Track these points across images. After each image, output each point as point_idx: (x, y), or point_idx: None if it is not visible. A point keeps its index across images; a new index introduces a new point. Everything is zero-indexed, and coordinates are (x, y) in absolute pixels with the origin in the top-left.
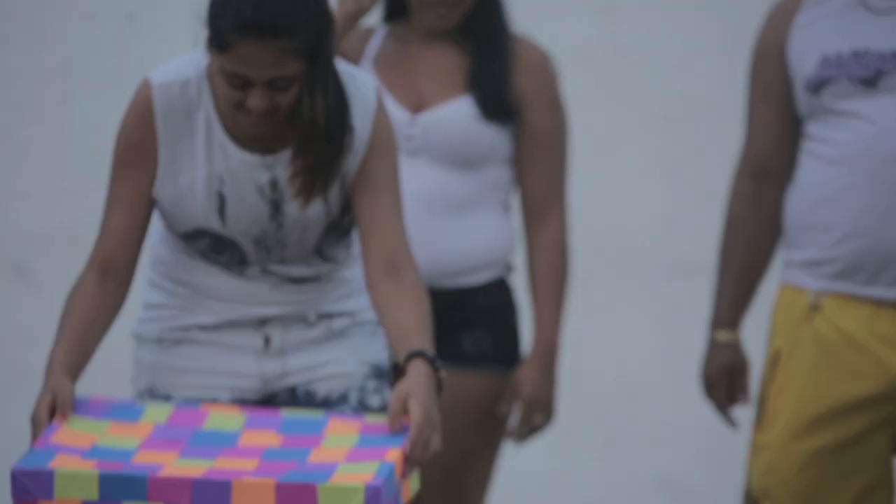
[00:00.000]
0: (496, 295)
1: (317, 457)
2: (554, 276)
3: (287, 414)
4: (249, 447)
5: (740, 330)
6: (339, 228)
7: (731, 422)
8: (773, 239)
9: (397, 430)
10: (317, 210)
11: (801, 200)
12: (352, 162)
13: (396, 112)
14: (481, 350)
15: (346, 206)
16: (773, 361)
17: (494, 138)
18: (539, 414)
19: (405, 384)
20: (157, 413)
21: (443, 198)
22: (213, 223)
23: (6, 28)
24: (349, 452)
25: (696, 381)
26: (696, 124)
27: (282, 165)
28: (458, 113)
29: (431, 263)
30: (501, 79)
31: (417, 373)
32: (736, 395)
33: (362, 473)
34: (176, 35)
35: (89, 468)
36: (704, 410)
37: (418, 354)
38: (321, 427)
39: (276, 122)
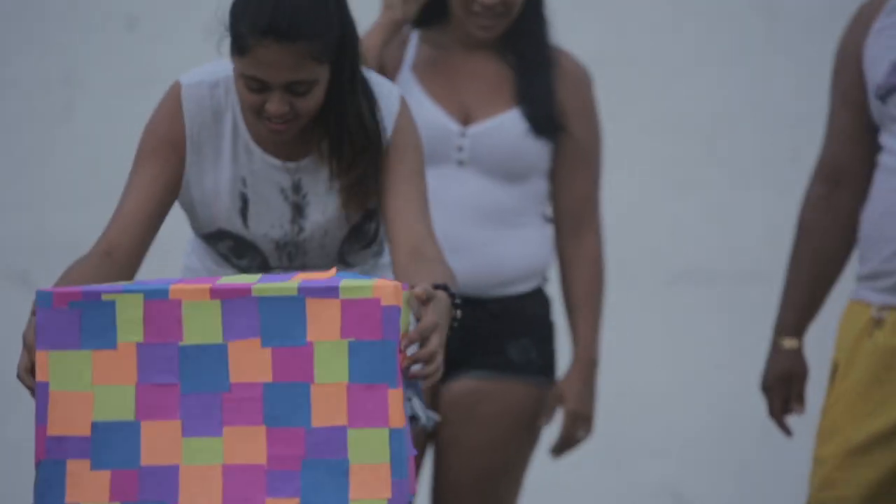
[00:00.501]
0: (539, 304)
1: (319, 411)
2: (592, 288)
3: (262, 300)
4: (245, 390)
5: (805, 338)
6: (361, 234)
7: (786, 429)
8: (846, 248)
9: (377, 320)
10: (337, 214)
11: (870, 212)
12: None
13: (445, 122)
14: (528, 359)
15: (368, 213)
16: (832, 374)
17: (540, 151)
18: (582, 428)
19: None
20: (130, 322)
21: (490, 208)
22: (235, 224)
23: (8, 37)
24: (349, 401)
25: (701, 390)
26: (700, 134)
27: (304, 172)
28: (507, 127)
29: (479, 273)
30: (550, 94)
31: (440, 293)
32: (792, 404)
33: (379, 468)
34: (178, 44)
35: (107, 502)
36: (709, 419)
37: (438, 287)
38: (303, 324)
39: (296, 129)
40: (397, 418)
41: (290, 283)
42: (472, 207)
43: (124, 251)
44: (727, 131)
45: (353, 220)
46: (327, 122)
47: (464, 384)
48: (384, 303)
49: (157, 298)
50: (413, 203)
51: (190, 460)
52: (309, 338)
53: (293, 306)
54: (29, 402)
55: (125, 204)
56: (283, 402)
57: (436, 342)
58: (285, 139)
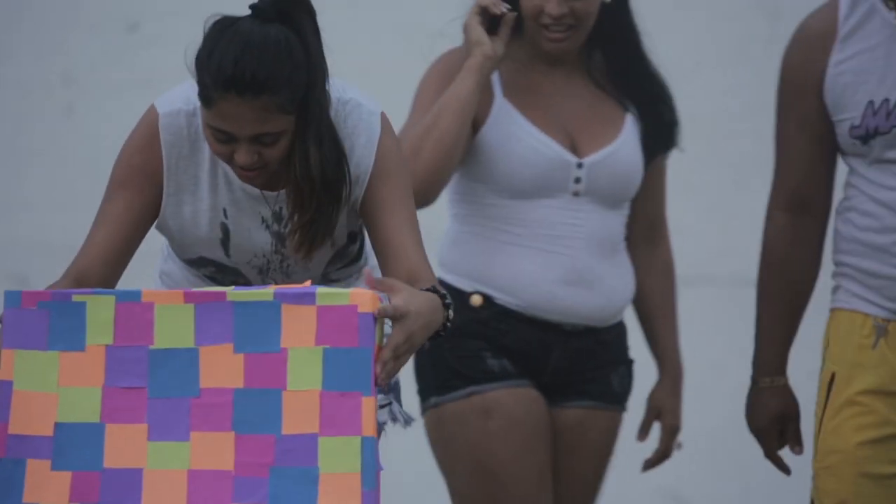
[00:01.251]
0: (624, 332)
1: (290, 418)
2: (671, 296)
3: (237, 304)
4: (214, 396)
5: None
6: (345, 255)
7: (784, 468)
8: (814, 275)
9: (353, 328)
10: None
11: (865, 229)
12: (358, 191)
13: (561, 153)
14: (624, 387)
15: (353, 235)
16: (827, 384)
17: (643, 172)
18: (677, 440)
19: (404, 292)
20: (100, 324)
21: (606, 238)
22: (216, 254)
23: (9, 39)
24: (321, 409)
25: (703, 392)
26: (702, 135)
27: (284, 201)
28: (622, 154)
29: (605, 305)
30: (660, 111)
31: (423, 296)
32: (787, 441)
33: (348, 477)
34: (178, 46)
35: (65, 502)
36: (710, 422)
37: (429, 290)
38: (277, 329)
39: (267, 175)
40: (370, 427)
41: (266, 289)
42: (592, 240)
43: (94, 282)
44: (729, 132)
45: (338, 245)
46: (289, 165)
47: (575, 413)
48: (361, 310)
49: (129, 301)
50: (405, 231)
51: (155, 464)
52: (283, 344)
53: (268, 312)
54: None
55: (96, 233)
56: (254, 408)
57: (406, 360)
58: (256, 184)
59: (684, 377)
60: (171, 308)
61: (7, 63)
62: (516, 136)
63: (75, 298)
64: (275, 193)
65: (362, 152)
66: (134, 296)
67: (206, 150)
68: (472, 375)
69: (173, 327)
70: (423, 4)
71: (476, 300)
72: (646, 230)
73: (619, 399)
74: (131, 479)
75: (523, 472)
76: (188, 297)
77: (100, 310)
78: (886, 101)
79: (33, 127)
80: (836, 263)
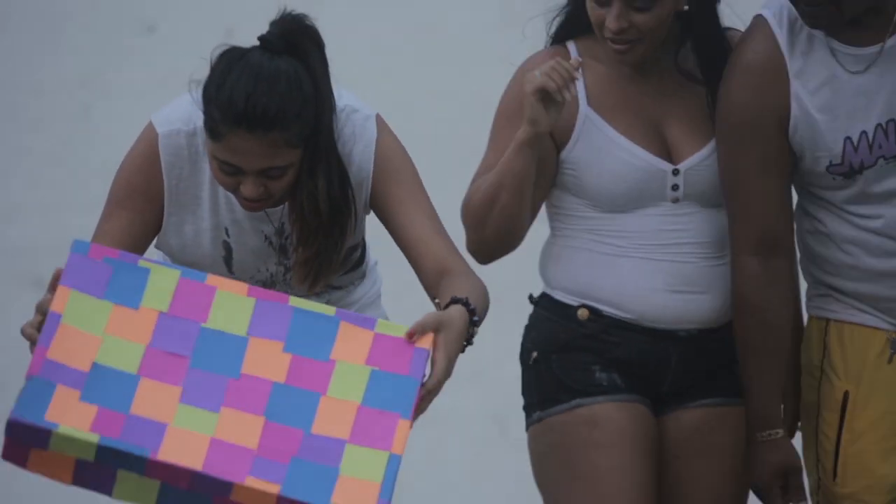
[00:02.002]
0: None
1: (322, 421)
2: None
3: (297, 310)
4: (254, 383)
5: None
6: (347, 262)
7: None
8: (790, 312)
9: (407, 358)
10: None
11: (859, 255)
12: (362, 196)
13: (656, 163)
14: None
15: (353, 248)
16: (841, 405)
17: None
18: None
19: (440, 315)
20: (160, 291)
21: (714, 238)
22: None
23: (27, 40)
24: (356, 419)
25: None
26: None
27: (287, 215)
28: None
29: (718, 307)
30: None
31: (456, 313)
32: (791, 496)
33: (368, 484)
34: (196, 48)
35: (88, 432)
36: None
37: (458, 300)
38: (331, 342)
39: (270, 205)
40: (400, 446)
41: (329, 306)
42: (699, 243)
43: None
44: None
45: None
46: (295, 195)
47: (700, 413)
48: (417, 344)
49: (193, 279)
50: (425, 225)
51: (180, 423)
52: (333, 356)
53: (326, 325)
54: None
55: None
56: (289, 403)
57: (435, 396)
58: (258, 210)
59: None
60: (232, 296)
61: (24, 64)
62: (605, 149)
63: (141, 263)
64: (277, 209)
65: (361, 157)
66: (199, 276)
67: (206, 170)
68: (579, 388)
69: (230, 313)
70: (439, 4)
71: (583, 314)
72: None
73: (739, 393)
74: (154, 429)
75: (624, 484)
76: (251, 292)
77: (162, 279)
78: (864, 133)
79: (50, 128)
80: (818, 282)
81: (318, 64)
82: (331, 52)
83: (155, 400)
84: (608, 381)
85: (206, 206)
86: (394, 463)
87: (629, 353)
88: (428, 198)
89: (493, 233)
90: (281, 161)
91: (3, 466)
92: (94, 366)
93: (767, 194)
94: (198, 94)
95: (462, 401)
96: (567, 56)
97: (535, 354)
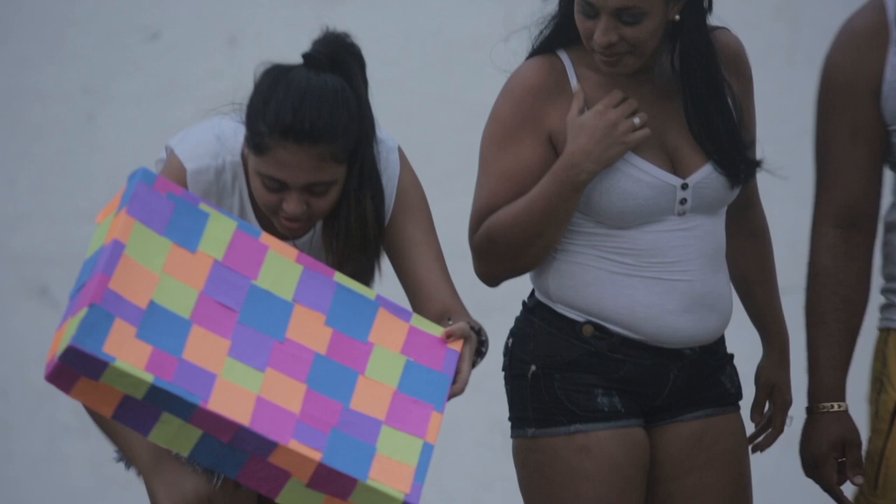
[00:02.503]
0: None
1: (360, 398)
2: (769, 261)
3: (340, 286)
4: (297, 349)
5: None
6: (366, 275)
7: (846, 502)
8: (867, 293)
9: (440, 356)
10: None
11: None
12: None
13: (665, 177)
14: (735, 386)
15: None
16: (891, 414)
17: None
18: (789, 415)
19: (469, 330)
20: (217, 239)
21: (715, 248)
22: None
23: (29, 47)
24: (392, 402)
25: None
26: None
27: (307, 244)
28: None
29: (722, 324)
30: (734, 145)
31: (473, 334)
32: (847, 473)
33: (403, 466)
34: (200, 56)
35: (143, 370)
36: None
37: (473, 328)
38: (369, 325)
39: (310, 226)
40: (433, 436)
41: (371, 290)
42: (705, 256)
43: None
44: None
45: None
46: (338, 214)
47: (696, 425)
48: (450, 345)
49: (248, 233)
50: (433, 269)
51: (229, 376)
52: (371, 339)
53: (366, 307)
54: (48, 412)
55: None
56: (330, 375)
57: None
58: (299, 235)
59: None
60: (282, 259)
61: (28, 71)
62: (614, 166)
63: (202, 207)
64: (304, 239)
65: (385, 189)
66: (254, 232)
67: (234, 205)
68: (579, 413)
69: (278, 276)
70: (443, 12)
71: (588, 330)
72: (739, 200)
73: (734, 399)
74: (205, 378)
75: None
76: (300, 259)
77: (220, 227)
78: None
79: (54, 136)
80: (889, 278)
81: (360, 82)
82: None
83: (205, 349)
84: (609, 407)
85: None
86: (427, 451)
87: (633, 372)
88: (437, 237)
89: (530, 263)
90: (327, 176)
91: (12, 472)
92: (151, 304)
93: (854, 164)
94: (221, 122)
95: (465, 409)
96: (560, 65)
97: (533, 368)
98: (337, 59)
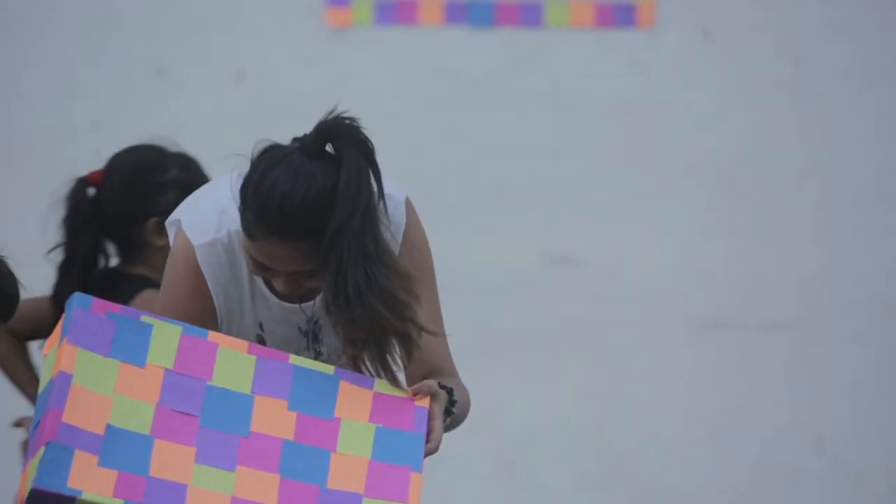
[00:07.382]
0: None
1: (336, 476)
2: None
3: (297, 368)
4: (264, 440)
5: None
6: None
7: None
8: None
9: (409, 416)
10: None
11: None
12: None
13: None
14: None
15: None
16: None
17: None
18: None
19: (436, 387)
20: (164, 347)
21: None
22: None
23: (36, 84)
24: (368, 473)
25: (729, 438)
26: (728, 181)
27: (317, 307)
28: None
29: None
30: None
31: (442, 391)
32: None
33: None
34: (206, 93)
35: (111, 497)
36: (736, 467)
37: (443, 387)
38: (333, 400)
39: (306, 293)
40: (415, 498)
41: (328, 365)
42: None
43: None
44: (755, 178)
45: None
46: (328, 284)
47: None
48: (418, 403)
49: (195, 335)
50: (429, 326)
51: (199, 483)
52: (337, 414)
53: (326, 383)
54: None
55: None
56: (302, 460)
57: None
58: (303, 301)
59: (710, 424)
60: (233, 353)
61: (34, 109)
62: None
63: (144, 319)
64: (311, 303)
65: (389, 243)
66: (201, 333)
67: (243, 272)
68: None
69: (233, 371)
70: (449, 48)
71: None
72: None
73: None
74: (176, 491)
75: None
76: (252, 349)
77: (165, 335)
78: None
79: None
80: None
81: (355, 168)
82: (344, 97)
83: (171, 461)
84: None
85: (248, 305)
86: None
87: None
88: (437, 294)
89: None
90: (310, 265)
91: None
92: (109, 428)
93: None
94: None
95: (472, 445)
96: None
97: None
98: (334, 145)
